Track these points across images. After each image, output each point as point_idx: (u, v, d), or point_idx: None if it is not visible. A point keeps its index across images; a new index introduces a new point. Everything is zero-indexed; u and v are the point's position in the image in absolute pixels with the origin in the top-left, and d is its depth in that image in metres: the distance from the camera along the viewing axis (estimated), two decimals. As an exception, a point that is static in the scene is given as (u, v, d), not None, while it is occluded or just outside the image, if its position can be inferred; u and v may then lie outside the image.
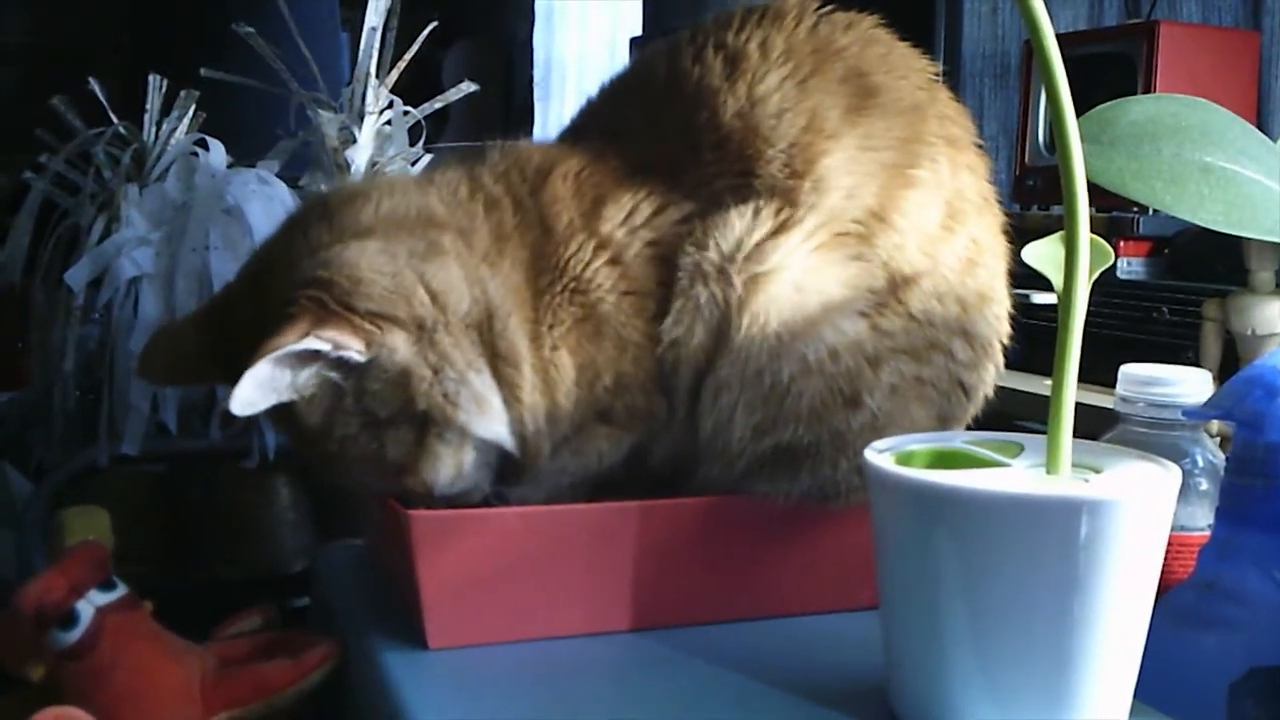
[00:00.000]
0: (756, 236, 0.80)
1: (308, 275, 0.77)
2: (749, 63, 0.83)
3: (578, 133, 0.90)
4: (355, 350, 0.75)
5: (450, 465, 0.79)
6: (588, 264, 0.81)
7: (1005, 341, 0.87)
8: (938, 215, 0.82)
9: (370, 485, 0.81)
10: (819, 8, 0.86)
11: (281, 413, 0.77)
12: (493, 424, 0.79)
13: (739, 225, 0.80)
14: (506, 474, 0.83)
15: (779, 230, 0.80)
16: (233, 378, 0.73)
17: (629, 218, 0.82)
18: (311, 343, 0.74)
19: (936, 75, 0.87)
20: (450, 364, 0.78)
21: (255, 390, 0.74)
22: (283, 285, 0.78)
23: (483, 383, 0.79)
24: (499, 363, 0.80)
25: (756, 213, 0.80)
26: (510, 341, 0.80)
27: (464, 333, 0.79)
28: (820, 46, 0.83)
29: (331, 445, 0.78)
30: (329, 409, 0.77)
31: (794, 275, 0.80)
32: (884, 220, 0.81)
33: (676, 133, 0.84)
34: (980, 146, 0.87)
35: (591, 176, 0.83)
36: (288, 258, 0.80)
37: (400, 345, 0.76)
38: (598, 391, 0.82)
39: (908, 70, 0.85)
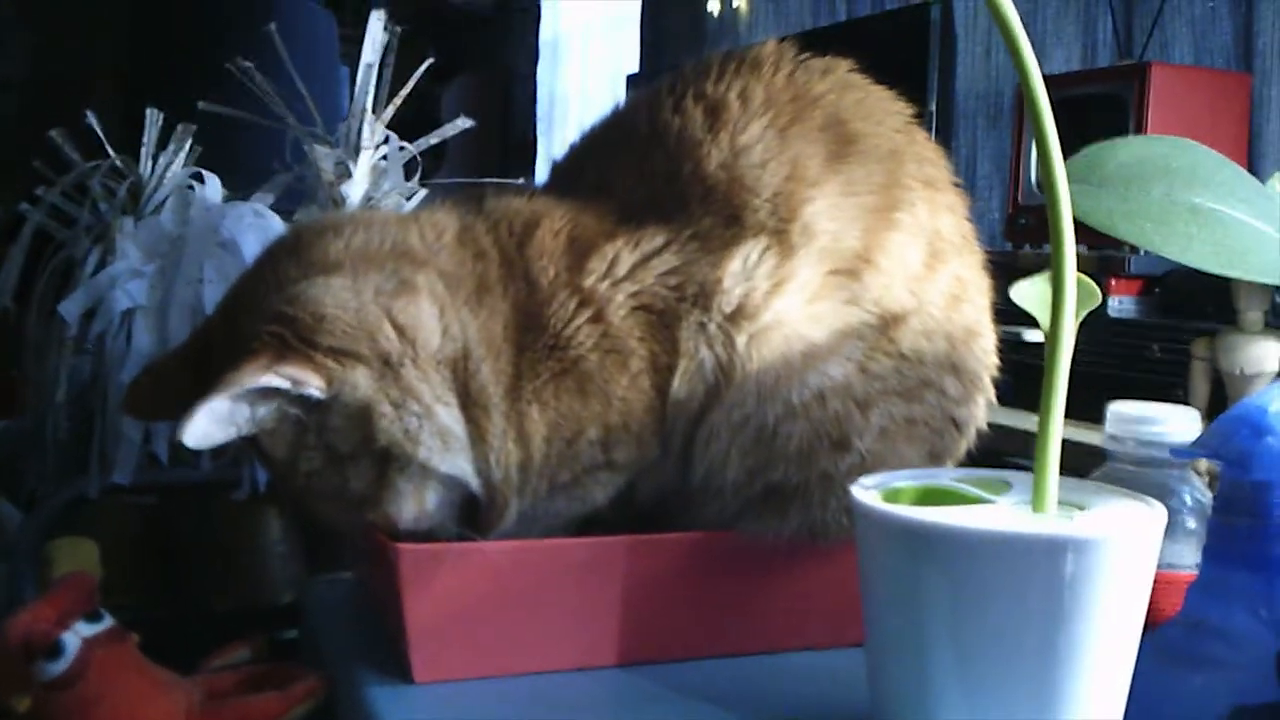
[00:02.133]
0: (757, 297, 0.80)
1: (272, 311, 0.77)
2: (730, 113, 0.83)
3: (563, 180, 0.90)
4: (315, 387, 0.75)
5: (412, 502, 0.79)
6: (569, 321, 0.81)
7: (995, 375, 0.88)
8: (920, 255, 0.83)
9: (339, 520, 0.81)
10: (796, 54, 0.87)
11: (252, 444, 0.78)
12: (456, 459, 0.79)
13: (740, 284, 0.81)
14: (476, 521, 0.82)
15: (778, 285, 0.81)
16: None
17: (611, 269, 0.82)
18: (270, 379, 0.74)
19: (912, 119, 0.88)
20: (415, 398, 0.77)
21: (210, 423, 0.74)
22: (251, 320, 0.78)
23: (450, 416, 0.79)
24: (469, 403, 0.80)
25: (753, 267, 0.81)
26: (482, 385, 0.80)
27: (434, 368, 0.79)
28: (799, 94, 0.84)
29: (299, 479, 0.79)
30: (293, 443, 0.78)
31: (790, 329, 0.81)
32: (870, 262, 0.81)
33: (662, 183, 0.84)
34: (959, 185, 0.89)
35: (576, 229, 0.83)
36: (256, 293, 0.81)
37: (362, 381, 0.76)
38: (582, 446, 0.82)
39: (884, 115, 0.87)
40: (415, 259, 0.82)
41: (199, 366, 0.83)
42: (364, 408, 0.76)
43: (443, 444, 0.78)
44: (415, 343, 0.78)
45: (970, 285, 0.86)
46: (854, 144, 0.84)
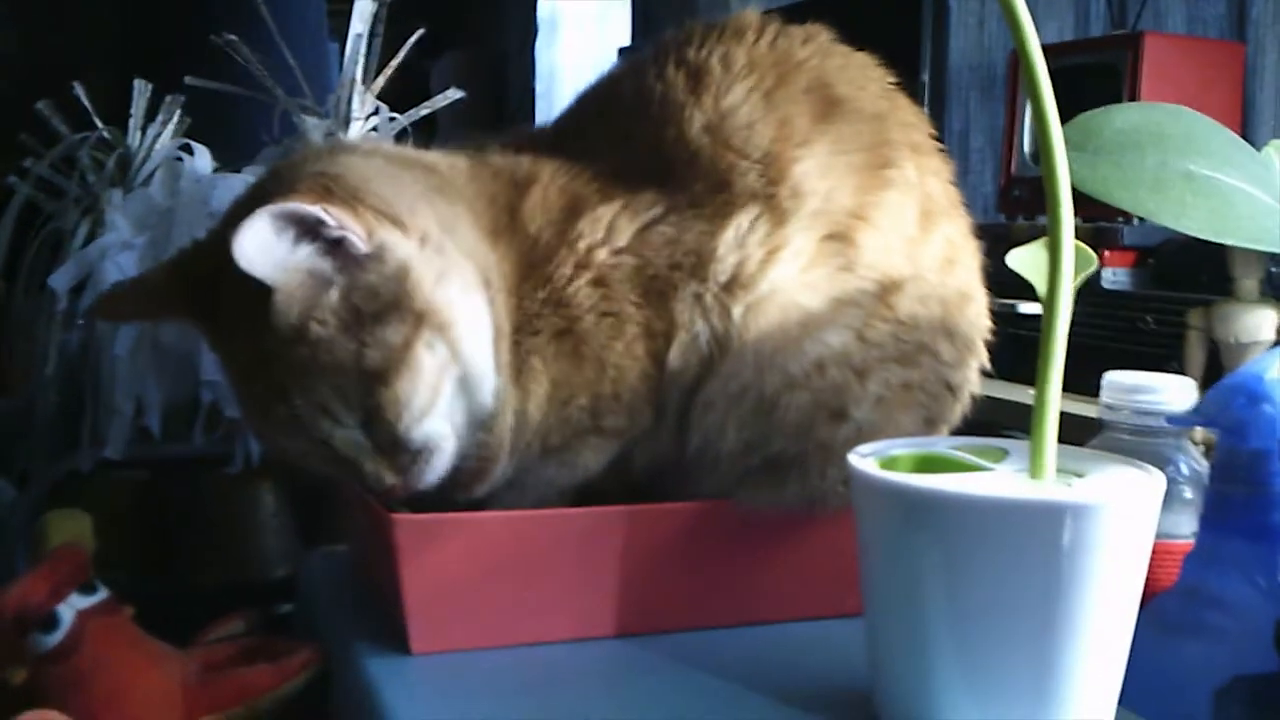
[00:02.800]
0: (751, 265, 0.80)
1: (310, 172, 0.76)
2: (712, 77, 0.83)
3: (552, 145, 0.88)
4: (357, 235, 0.73)
5: (427, 386, 0.75)
6: (570, 280, 0.81)
7: (987, 338, 0.88)
8: (913, 214, 0.83)
9: (321, 425, 0.74)
10: (777, 23, 0.87)
11: (250, 324, 0.73)
12: (484, 347, 0.77)
13: (733, 254, 0.80)
14: (459, 483, 0.80)
15: (771, 254, 0.80)
16: (203, 316, 0.74)
17: (610, 236, 0.81)
18: (319, 212, 0.71)
19: (894, 85, 0.88)
20: (457, 273, 0.76)
21: (263, 234, 0.70)
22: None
23: (479, 305, 0.77)
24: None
25: (746, 233, 0.80)
26: (499, 313, 0.79)
27: (468, 261, 0.78)
28: (781, 59, 0.84)
29: (302, 350, 0.73)
30: (309, 306, 0.73)
31: (786, 298, 0.80)
32: (864, 219, 0.81)
33: (647, 148, 0.83)
34: (944, 151, 0.89)
35: (570, 187, 0.83)
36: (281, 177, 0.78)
37: (402, 245, 0.74)
38: (572, 412, 0.82)
39: (867, 80, 0.86)
40: (444, 180, 0.82)
41: (189, 271, 0.79)
42: (402, 267, 0.74)
43: (472, 328, 0.77)
44: (453, 233, 0.77)
45: (961, 248, 0.86)
46: (839, 105, 0.83)
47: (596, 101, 0.91)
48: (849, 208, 0.81)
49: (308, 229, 0.72)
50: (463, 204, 0.81)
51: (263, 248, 0.71)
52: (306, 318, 0.73)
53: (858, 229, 0.81)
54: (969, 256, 0.87)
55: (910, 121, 0.87)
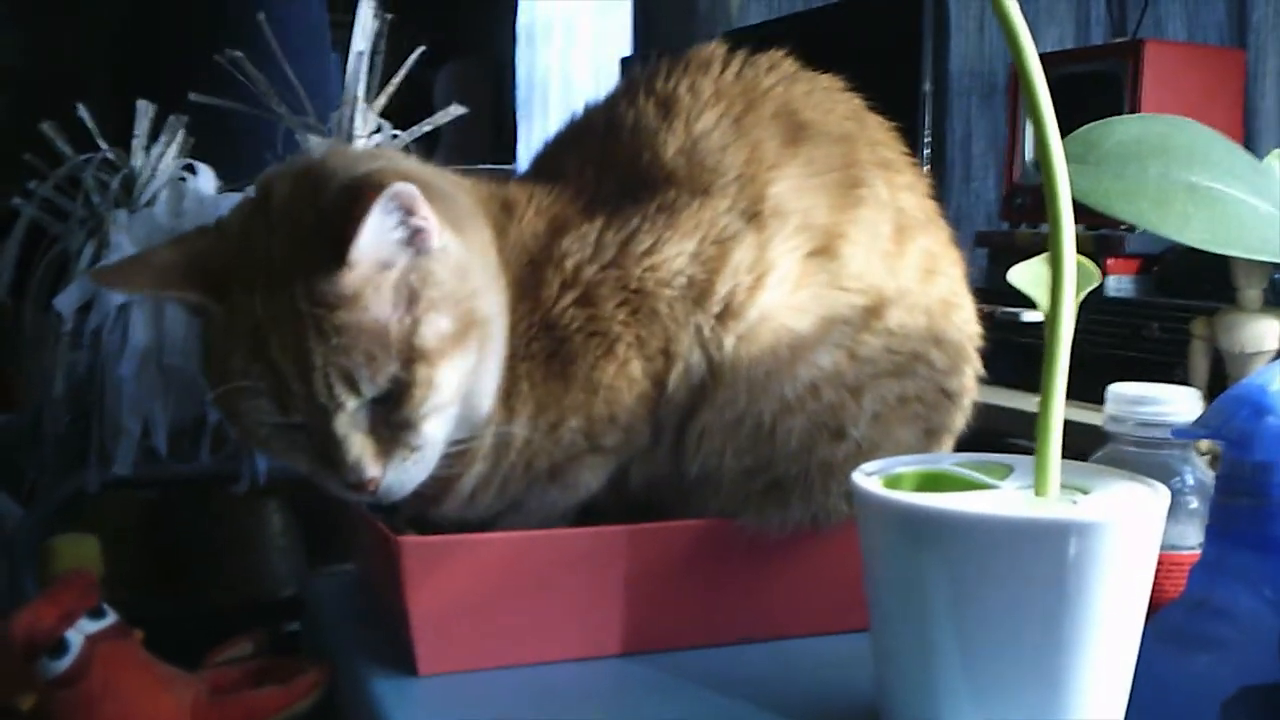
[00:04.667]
0: (740, 294, 0.81)
1: (367, 169, 0.77)
2: (682, 105, 0.85)
3: (535, 174, 0.90)
4: (436, 230, 0.75)
5: (455, 384, 0.75)
6: (556, 301, 0.81)
7: (979, 344, 0.89)
8: (888, 231, 0.84)
9: (337, 393, 0.73)
10: (742, 53, 0.88)
11: (282, 283, 0.73)
12: (496, 368, 0.79)
13: (725, 282, 0.81)
14: (423, 495, 0.79)
15: (759, 280, 0.81)
16: (206, 289, 0.74)
17: (596, 253, 0.82)
18: (421, 204, 0.73)
19: (862, 106, 0.90)
20: (494, 290, 0.79)
21: (376, 227, 0.72)
22: (307, 201, 0.76)
23: (502, 325, 0.79)
24: None
25: (730, 254, 0.81)
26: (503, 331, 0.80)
27: (497, 283, 0.80)
28: (748, 88, 0.86)
29: (347, 315, 0.72)
30: (371, 273, 0.73)
31: (776, 323, 0.81)
32: (844, 236, 0.82)
33: (623, 175, 0.84)
34: (915, 166, 0.90)
35: (552, 209, 0.84)
36: (314, 178, 0.78)
37: (461, 249, 0.76)
38: (564, 434, 0.82)
39: (833, 104, 0.88)
40: (472, 202, 0.83)
41: (194, 250, 0.78)
42: (462, 269, 0.76)
43: (496, 345, 0.78)
44: (486, 253, 0.80)
45: (941, 258, 0.88)
46: (806, 129, 0.85)
47: (571, 136, 0.92)
48: (827, 226, 0.82)
49: (407, 212, 0.73)
50: (490, 227, 0.82)
51: (375, 231, 0.72)
52: (365, 284, 0.72)
53: (838, 244, 0.82)
54: (950, 265, 0.88)
55: (879, 140, 0.88)
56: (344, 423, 0.73)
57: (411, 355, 0.73)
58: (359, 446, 0.74)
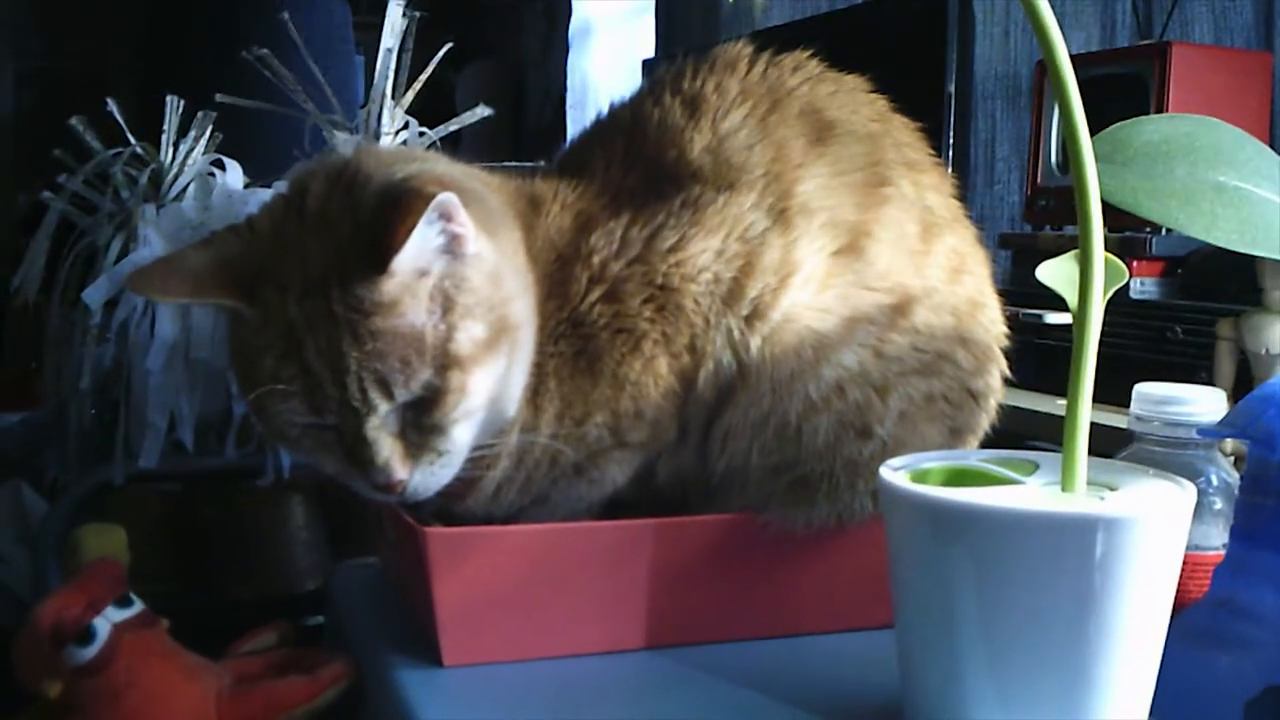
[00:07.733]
0: (766, 295, 0.81)
1: (404, 174, 0.76)
2: (708, 104, 0.85)
3: (558, 175, 0.89)
4: (472, 237, 0.75)
5: (487, 389, 0.75)
6: (583, 296, 0.81)
7: (1005, 344, 0.89)
8: (915, 230, 0.84)
9: (370, 396, 0.73)
10: (768, 54, 0.88)
11: (319, 286, 0.73)
12: (524, 372, 0.79)
13: (755, 285, 0.81)
14: (448, 493, 0.79)
15: (784, 280, 0.81)
16: (240, 294, 0.73)
17: (622, 249, 0.82)
18: (460, 211, 0.73)
19: (887, 107, 0.90)
20: (526, 295, 0.78)
21: (419, 238, 0.72)
22: (343, 204, 0.75)
23: (532, 329, 0.79)
24: None
25: (759, 257, 0.81)
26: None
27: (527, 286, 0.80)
28: (773, 88, 0.86)
29: (384, 321, 0.72)
30: (410, 280, 0.73)
31: (801, 325, 0.81)
32: (870, 235, 0.82)
33: (649, 172, 0.84)
34: (940, 166, 0.90)
35: (578, 205, 0.84)
36: (349, 180, 0.77)
37: (494, 255, 0.76)
38: (590, 430, 0.82)
39: (858, 105, 0.88)
40: (502, 201, 0.83)
41: (225, 254, 0.78)
42: (496, 274, 0.76)
43: (526, 350, 0.79)
44: (516, 255, 0.80)
45: (968, 257, 0.88)
46: (832, 129, 0.85)
47: (597, 133, 0.92)
48: (854, 224, 0.82)
49: (447, 220, 0.73)
50: (519, 226, 0.82)
51: (417, 240, 0.72)
52: (403, 291, 0.73)
53: (865, 242, 0.82)
54: (977, 265, 0.88)
55: (904, 141, 0.88)
56: (375, 425, 0.73)
57: (446, 361, 0.73)
58: (388, 449, 0.74)
